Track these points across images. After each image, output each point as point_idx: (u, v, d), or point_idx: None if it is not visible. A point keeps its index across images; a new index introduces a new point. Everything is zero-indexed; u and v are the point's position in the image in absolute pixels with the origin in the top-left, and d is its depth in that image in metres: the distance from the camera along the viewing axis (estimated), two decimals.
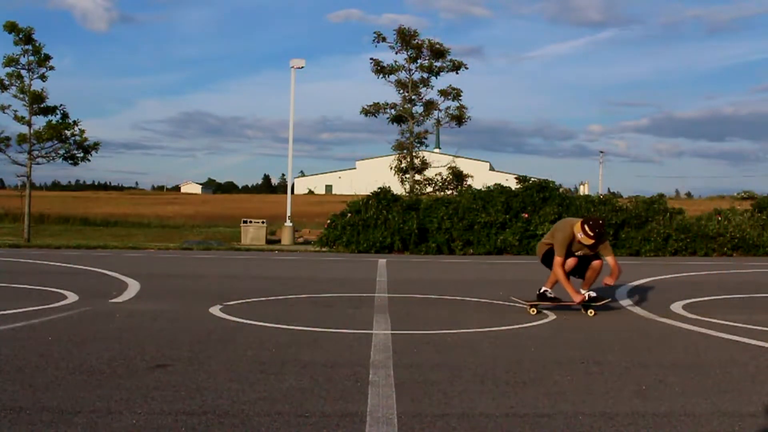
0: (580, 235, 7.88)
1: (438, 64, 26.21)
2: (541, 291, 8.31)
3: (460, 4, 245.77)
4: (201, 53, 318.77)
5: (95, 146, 22.42)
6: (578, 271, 8.21)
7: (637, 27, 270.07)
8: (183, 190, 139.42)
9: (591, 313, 8.04)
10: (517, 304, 8.53)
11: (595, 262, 8.12)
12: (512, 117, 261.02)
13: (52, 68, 21.93)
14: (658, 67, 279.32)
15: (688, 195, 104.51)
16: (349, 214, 20.58)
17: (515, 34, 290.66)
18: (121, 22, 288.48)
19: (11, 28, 21.32)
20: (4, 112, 21.66)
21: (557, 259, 8.07)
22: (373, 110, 26.44)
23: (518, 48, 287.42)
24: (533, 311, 8.10)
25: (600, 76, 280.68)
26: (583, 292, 8.15)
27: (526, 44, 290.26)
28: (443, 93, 26.28)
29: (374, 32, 26.53)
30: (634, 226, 20.16)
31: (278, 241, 23.79)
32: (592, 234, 7.82)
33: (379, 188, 21.16)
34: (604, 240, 8.11)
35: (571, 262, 8.08)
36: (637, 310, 8.50)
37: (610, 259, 8.16)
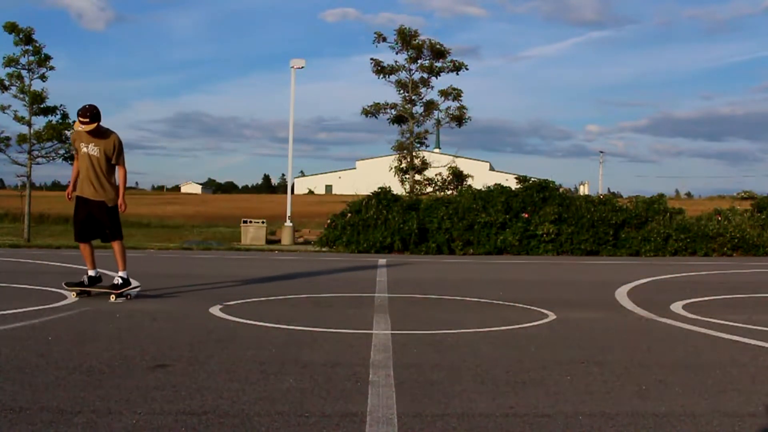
0: (80, 127, 7.62)
1: (438, 64, 26.27)
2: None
3: (456, 3, 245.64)
4: (196, 55, 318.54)
5: None
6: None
7: (634, 27, 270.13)
8: (183, 190, 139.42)
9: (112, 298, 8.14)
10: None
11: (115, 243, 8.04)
12: (510, 117, 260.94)
13: (52, 68, 21.93)
14: (655, 67, 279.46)
15: (688, 195, 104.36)
16: (349, 214, 20.59)
17: (511, 33, 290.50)
18: (116, 23, 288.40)
19: (11, 28, 21.32)
20: (4, 113, 21.66)
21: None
22: (373, 110, 26.49)
23: (514, 47, 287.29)
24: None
25: (596, 76, 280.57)
26: (91, 273, 8.26)
27: (522, 44, 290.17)
28: (443, 93, 26.32)
29: (375, 32, 26.60)
30: (634, 226, 20.18)
31: (278, 241, 23.79)
32: (85, 119, 7.59)
33: (379, 188, 21.18)
34: (107, 133, 7.87)
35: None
36: (637, 310, 8.50)
37: (120, 172, 8.09)
